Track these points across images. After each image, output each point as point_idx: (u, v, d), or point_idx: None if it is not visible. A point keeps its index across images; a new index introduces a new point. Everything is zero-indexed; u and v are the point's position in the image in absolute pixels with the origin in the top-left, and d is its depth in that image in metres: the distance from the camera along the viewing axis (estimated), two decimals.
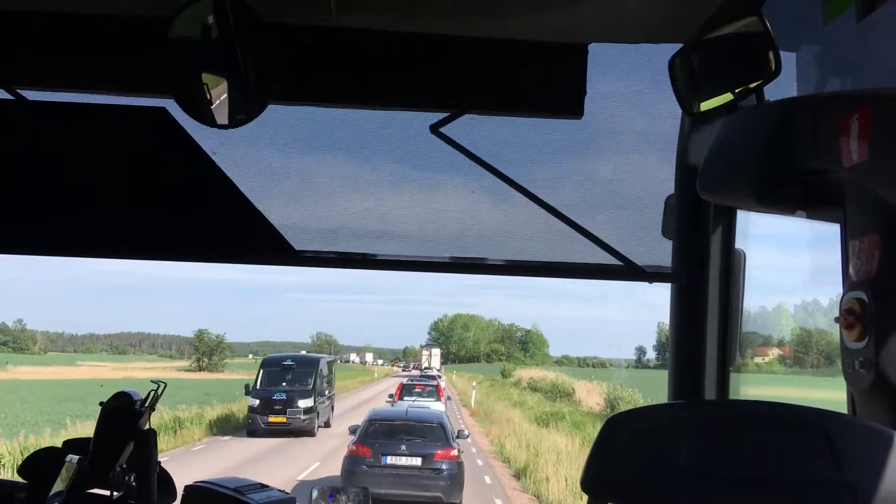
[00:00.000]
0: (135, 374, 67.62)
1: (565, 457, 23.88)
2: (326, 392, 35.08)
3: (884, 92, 1.77)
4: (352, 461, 17.74)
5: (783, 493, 1.37)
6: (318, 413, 32.52)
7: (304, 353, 41.61)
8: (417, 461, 17.44)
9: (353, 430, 19.29)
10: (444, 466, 17.44)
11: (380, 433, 18.16)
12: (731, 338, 2.64)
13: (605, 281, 2.79)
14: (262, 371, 33.74)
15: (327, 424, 34.24)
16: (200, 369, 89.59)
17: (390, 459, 17.44)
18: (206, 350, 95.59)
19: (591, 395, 52.09)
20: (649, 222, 2.74)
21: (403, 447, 17.61)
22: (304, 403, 31.60)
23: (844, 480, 1.34)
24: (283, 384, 32.15)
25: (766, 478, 1.38)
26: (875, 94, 1.76)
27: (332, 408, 36.99)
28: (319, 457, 24.69)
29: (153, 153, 2.59)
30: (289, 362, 34.15)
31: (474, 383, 61.43)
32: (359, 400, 50.36)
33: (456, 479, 17.50)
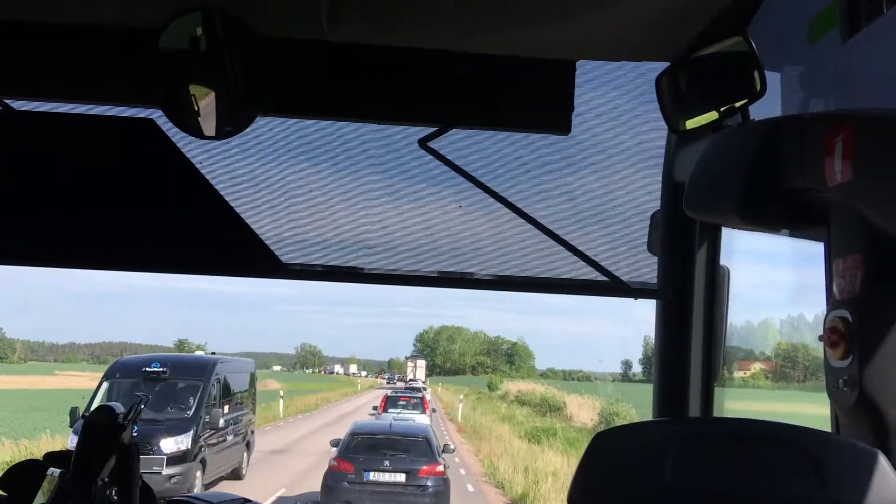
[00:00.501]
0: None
1: (566, 480, 22.52)
2: (228, 422, 20.94)
3: (868, 112, 1.79)
4: (333, 477, 16.90)
5: None
6: (204, 461, 18.75)
7: (200, 353, 26.60)
8: (401, 477, 16.80)
9: (334, 444, 18.59)
10: (429, 483, 16.82)
11: (362, 448, 17.43)
12: (715, 353, 2.65)
13: (591, 296, 2.80)
14: (105, 385, 19.45)
15: (235, 475, 21.43)
16: None
17: (373, 475, 16.72)
18: None
19: (584, 410, 50.69)
20: (635, 238, 2.75)
21: (387, 462, 16.91)
22: (171, 445, 17.75)
23: (829, 498, 1.35)
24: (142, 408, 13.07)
25: (751, 495, 1.39)
26: (859, 114, 1.78)
27: (250, 445, 23.04)
28: None
29: (140, 164, 2.58)
30: (156, 368, 19.60)
31: (461, 396, 58.59)
32: (339, 413, 48.12)
33: (442, 496, 16.89)
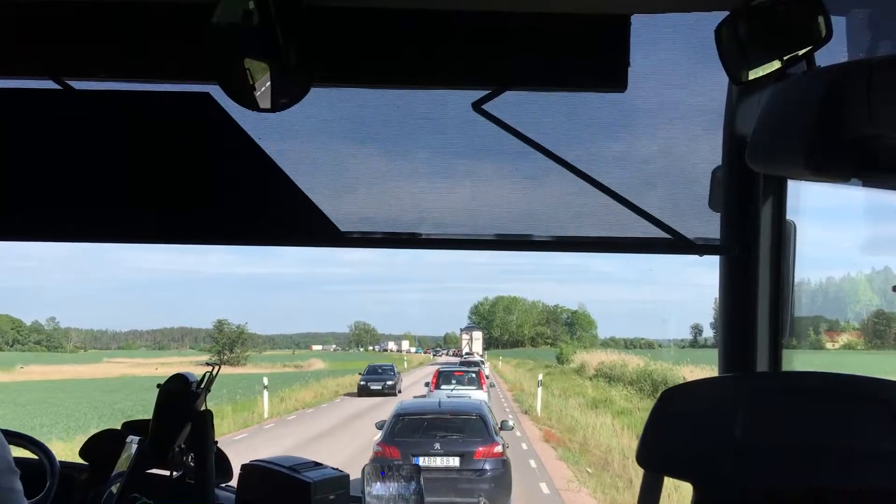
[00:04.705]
0: (150, 370, 60.73)
1: None
2: None
3: None
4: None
5: (842, 462, 1.35)
6: None
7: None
8: (455, 461, 14.91)
9: (379, 427, 16.71)
10: (486, 466, 14.88)
11: (409, 430, 15.61)
12: (782, 310, 2.60)
13: (654, 255, 2.77)
14: None
15: None
16: (221, 363, 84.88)
17: (423, 461, 14.52)
18: (227, 342, 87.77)
19: None
20: (697, 195, 2.71)
21: (437, 445, 15.03)
22: None
23: None
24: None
25: (823, 447, 1.36)
26: None
27: None
28: None
29: (198, 138, 2.62)
30: None
31: (540, 376, 40.30)
32: (359, 408, 36.23)
33: (502, 480, 14.89)
